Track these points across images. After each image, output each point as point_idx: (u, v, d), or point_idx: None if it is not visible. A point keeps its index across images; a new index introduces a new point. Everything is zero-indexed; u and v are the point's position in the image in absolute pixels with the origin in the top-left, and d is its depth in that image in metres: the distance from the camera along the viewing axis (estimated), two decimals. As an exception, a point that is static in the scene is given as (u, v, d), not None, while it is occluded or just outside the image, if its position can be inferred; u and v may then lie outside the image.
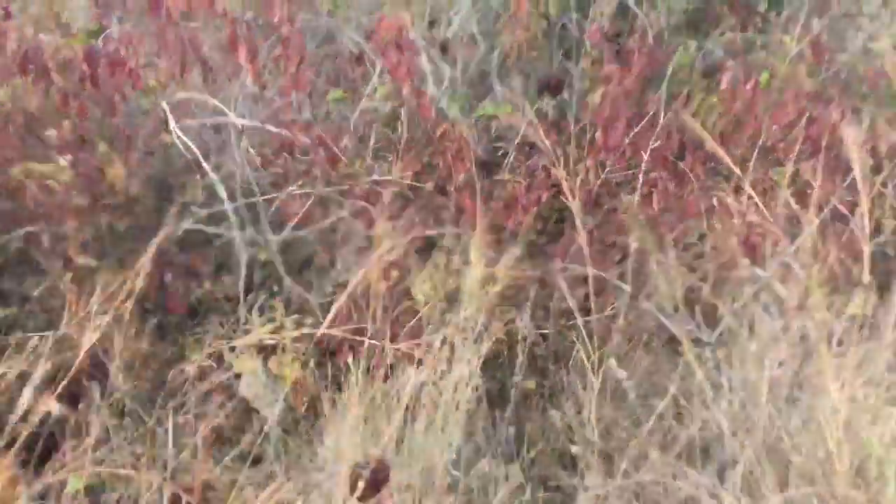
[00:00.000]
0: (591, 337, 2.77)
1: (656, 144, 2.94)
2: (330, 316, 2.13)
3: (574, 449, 2.41)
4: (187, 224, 3.08)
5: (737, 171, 2.42)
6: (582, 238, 2.66)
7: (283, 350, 2.15)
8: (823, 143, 2.83)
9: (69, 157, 2.99)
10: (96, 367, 2.07)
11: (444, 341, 2.46)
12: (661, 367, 2.78)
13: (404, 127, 3.06)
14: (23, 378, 1.89)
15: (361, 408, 2.19)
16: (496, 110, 3.02)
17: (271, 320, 2.58)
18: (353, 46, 3.79)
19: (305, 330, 2.40)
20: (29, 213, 2.81)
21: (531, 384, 2.79)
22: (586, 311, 2.88)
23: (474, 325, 2.48)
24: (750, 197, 2.40)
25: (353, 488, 1.71)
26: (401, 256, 2.84)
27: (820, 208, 2.35)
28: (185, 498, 1.69)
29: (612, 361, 2.36)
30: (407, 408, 2.23)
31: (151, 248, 2.27)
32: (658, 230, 2.76)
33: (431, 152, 3.02)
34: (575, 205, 2.70)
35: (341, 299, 2.20)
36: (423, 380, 2.32)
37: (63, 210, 2.81)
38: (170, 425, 2.04)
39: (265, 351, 2.21)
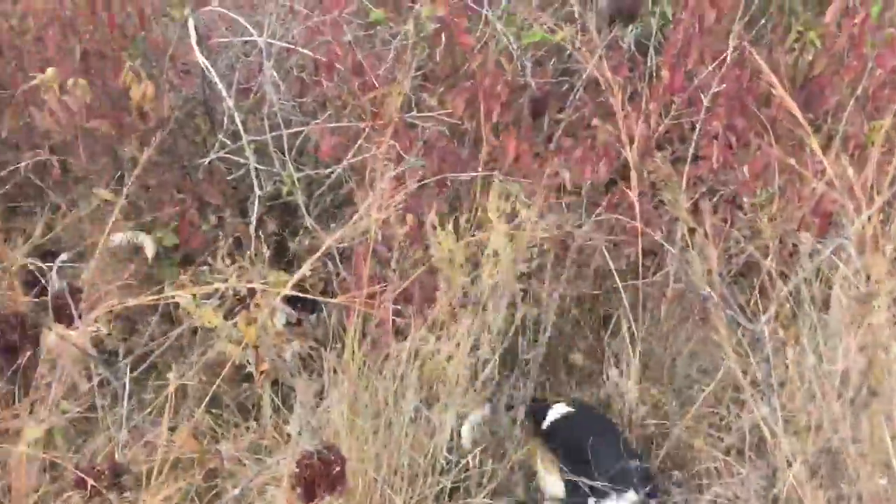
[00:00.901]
0: (635, 305, 2.46)
1: (721, 88, 2.50)
2: (304, 269, 1.87)
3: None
4: (212, 155, 2.89)
5: (806, 127, 2.00)
6: (634, 193, 2.31)
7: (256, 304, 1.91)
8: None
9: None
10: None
11: (461, 304, 2.19)
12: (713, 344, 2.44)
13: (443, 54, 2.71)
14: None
15: (352, 379, 1.95)
16: (543, 37, 2.63)
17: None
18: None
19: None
20: (39, 136, 2.63)
21: (578, 358, 2.50)
22: (634, 275, 2.56)
23: (497, 288, 2.20)
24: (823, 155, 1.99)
25: (295, 486, 1.49)
26: (426, 204, 2.57)
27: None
28: (90, 481, 1.50)
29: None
30: (404, 378, 1.99)
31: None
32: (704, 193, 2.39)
33: (472, 86, 2.68)
34: (632, 155, 2.34)
35: (318, 252, 1.93)
36: (432, 348, 2.06)
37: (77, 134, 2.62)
38: (126, 380, 1.85)
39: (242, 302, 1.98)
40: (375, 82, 2.81)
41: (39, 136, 2.65)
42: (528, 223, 2.11)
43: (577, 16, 3.29)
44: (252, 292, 1.93)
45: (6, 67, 3.00)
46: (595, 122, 2.73)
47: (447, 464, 2.00)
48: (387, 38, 3.02)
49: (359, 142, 2.75)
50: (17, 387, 1.82)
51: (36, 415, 1.79)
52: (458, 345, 2.00)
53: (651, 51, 3.19)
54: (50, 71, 2.49)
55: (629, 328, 2.31)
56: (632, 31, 3.24)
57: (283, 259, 2.90)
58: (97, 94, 2.84)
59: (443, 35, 2.71)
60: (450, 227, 2.23)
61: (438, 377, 2.00)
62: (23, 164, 2.51)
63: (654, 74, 2.99)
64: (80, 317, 1.84)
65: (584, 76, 3.02)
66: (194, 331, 2.22)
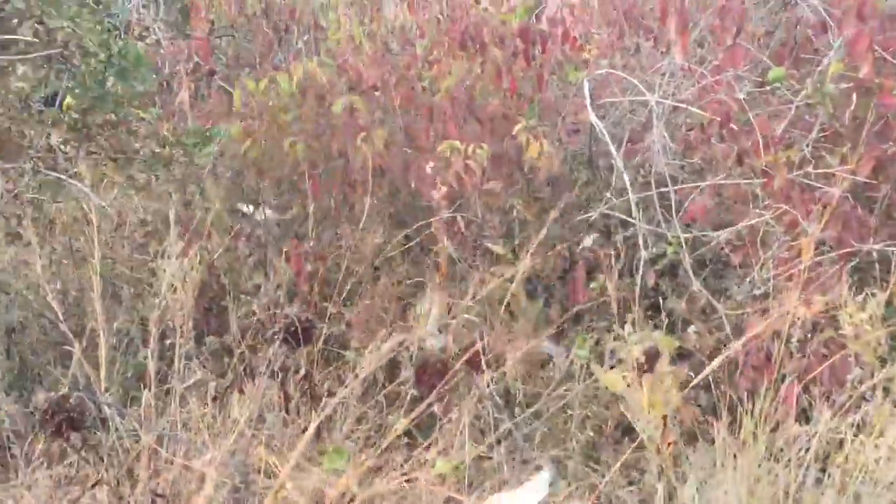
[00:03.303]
0: None
1: None
2: (715, 364, 1.80)
3: None
4: (596, 211, 2.94)
5: None
6: None
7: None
8: None
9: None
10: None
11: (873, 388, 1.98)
12: None
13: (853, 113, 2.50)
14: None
15: (749, 459, 1.84)
16: None
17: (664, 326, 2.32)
18: (812, 14, 3.27)
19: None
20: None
21: None
22: None
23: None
24: None
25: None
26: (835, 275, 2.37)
27: None
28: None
29: None
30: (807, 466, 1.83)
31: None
32: None
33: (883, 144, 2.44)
34: None
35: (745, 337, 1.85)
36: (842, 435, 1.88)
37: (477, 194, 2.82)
38: (520, 435, 1.93)
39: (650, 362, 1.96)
40: (770, 142, 2.69)
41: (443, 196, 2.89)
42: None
43: None
44: (649, 358, 1.92)
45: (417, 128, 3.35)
46: None
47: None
48: (785, 96, 2.88)
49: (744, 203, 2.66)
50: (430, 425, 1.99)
51: (444, 452, 1.94)
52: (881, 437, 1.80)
53: None
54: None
55: None
56: None
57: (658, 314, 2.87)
58: (494, 155, 3.06)
59: (854, 94, 2.50)
60: (861, 300, 2.04)
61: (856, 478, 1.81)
62: (429, 221, 2.74)
63: None
64: (487, 365, 1.96)
65: None
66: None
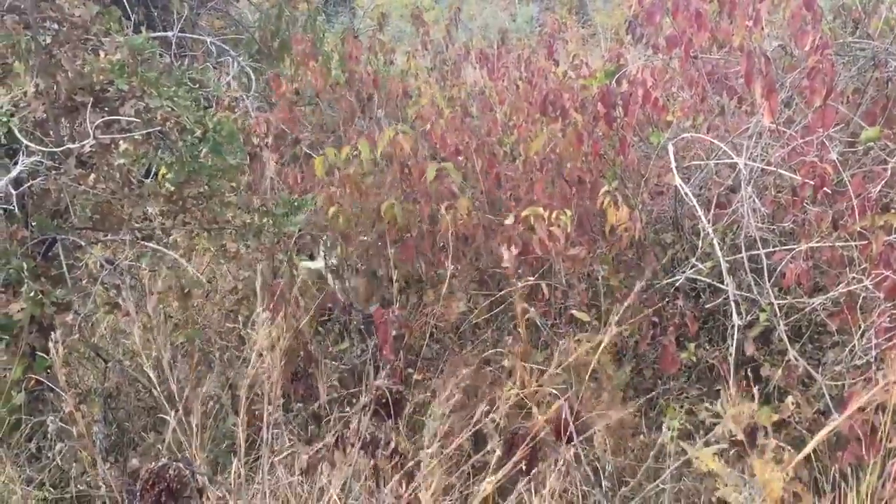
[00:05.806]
0: None
1: None
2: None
3: None
4: (682, 276, 2.88)
5: None
6: None
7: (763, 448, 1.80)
8: None
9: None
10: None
11: None
12: None
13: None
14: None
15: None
16: None
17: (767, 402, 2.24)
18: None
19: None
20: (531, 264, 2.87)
21: None
22: None
23: None
24: None
25: None
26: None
27: None
28: None
29: None
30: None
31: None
32: None
33: None
34: None
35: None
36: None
37: (560, 260, 2.80)
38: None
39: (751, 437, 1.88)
40: (866, 204, 2.60)
41: (528, 263, 2.88)
42: None
43: None
44: (751, 435, 1.84)
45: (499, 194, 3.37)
46: None
47: None
48: (879, 156, 2.80)
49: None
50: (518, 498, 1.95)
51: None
52: None
53: None
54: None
55: None
56: None
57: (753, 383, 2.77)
58: (577, 220, 3.04)
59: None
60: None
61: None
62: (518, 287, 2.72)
63: None
64: (577, 434, 1.92)
65: None
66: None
